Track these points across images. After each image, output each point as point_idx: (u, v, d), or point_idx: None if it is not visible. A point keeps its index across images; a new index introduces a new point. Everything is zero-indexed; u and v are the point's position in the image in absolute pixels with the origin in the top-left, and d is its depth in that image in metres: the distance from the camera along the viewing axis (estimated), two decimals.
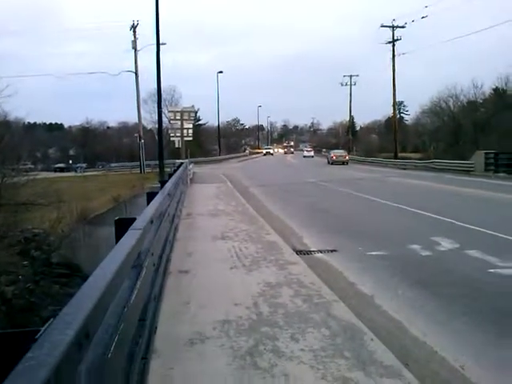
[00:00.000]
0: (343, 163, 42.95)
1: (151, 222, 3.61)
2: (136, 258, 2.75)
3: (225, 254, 7.15)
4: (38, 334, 1.23)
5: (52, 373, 1.06)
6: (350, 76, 59.48)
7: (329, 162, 44.80)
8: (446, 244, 8.09)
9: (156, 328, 3.66)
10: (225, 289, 5.34)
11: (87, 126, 75.62)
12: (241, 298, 4.92)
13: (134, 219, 3.33)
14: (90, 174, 42.06)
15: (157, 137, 34.28)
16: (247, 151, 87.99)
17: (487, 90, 54.38)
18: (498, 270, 6.43)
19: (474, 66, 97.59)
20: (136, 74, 36.89)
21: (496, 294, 5.53)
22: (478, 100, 55.31)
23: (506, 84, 53.07)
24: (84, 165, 56.89)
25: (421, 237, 8.68)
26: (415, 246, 7.98)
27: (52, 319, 1.34)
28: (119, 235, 3.11)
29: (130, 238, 2.68)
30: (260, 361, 3.44)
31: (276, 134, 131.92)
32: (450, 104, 56.10)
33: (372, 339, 3.87)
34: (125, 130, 72.07)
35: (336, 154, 46.36)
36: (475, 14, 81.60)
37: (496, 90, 54.02)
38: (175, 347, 3.68)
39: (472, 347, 4.15)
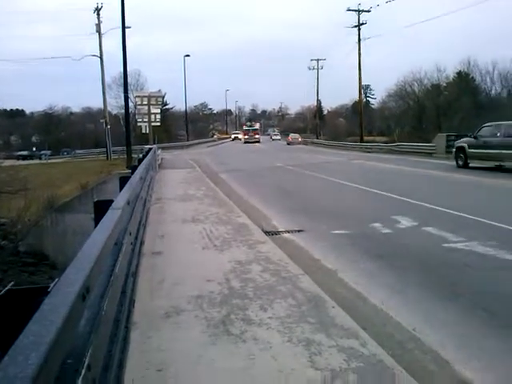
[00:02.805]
0: (298, 143, 56.84)
1: (128, 203, 3.86)
2: (117, 235, 3.00)
3: (196, 235, 7.41)
4: (50, 288, 1.50)
5: (65, 316, 1.33)
6: (317, 60, 60.00)
7: (287, 143, 58.74)
8: (405, 222, 8.59)
9: (134, 302, 3.92)
10: (197, 267, 5.62)
11: (50, 111, 73.76)
12: (213, 275, 5.21)
13: (112, 201, 3.56)
14: (56, 161, 41.35)
15: (123, 122, 33.91)
16: (215, 136, 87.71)
17: (450, 73, 55.88)
18: (452, 245, 6.93)
19: (439, 49, 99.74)
20: (101, 58, 36.19)
21: (448, 266, 6.01)
22: (442, 84, 56.84)
23: (467, 68, 54.76)
24: (48, 152, 55.64)
25: (382, 216, 9.16)
26: (376, 225, 8.45)
27: (57, 279, 1.60)
28: (98, 216, 3.35)
29: (111, 216, 2.93)
30: (232, 328, 3.76)
31: (244, 118, 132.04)
32: (415, 88, 57.49)
33: (334, 307, 4.25)
34: (89, 115, 70.74)
35: (292, 136, 62.46)
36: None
37: (459, 73, 55.60)
38: (152, 319, 3.96)
39: (423, 311, 4.60)
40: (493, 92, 53.81)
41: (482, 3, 51.36)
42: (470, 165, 19.01)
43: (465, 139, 19.94)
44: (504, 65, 51.54)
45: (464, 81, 54.00)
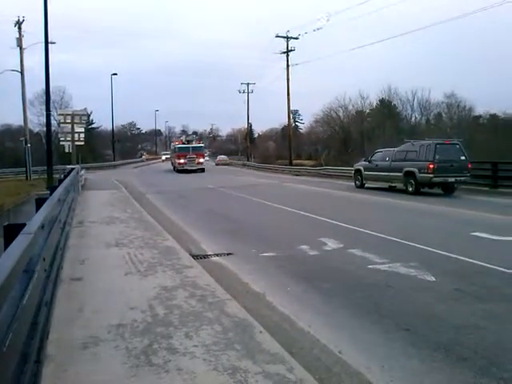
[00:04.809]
0: (226, 164, 58.16)
1: (42, 227, 3.59)
2: (27, 262, 2.76)
3: (120, 260, 7.09)
4: None
5: None
6: (248, 84, 60.87)
7: (216, 164, 60.26)
8: (331, 244, 8.76)
9: (48, 333, 3.63)
10: (120, 294, 5.34)
11: None
12: (136, 302, 4.98)
13: (24, 225, 3.30)
14: None
15: (45, 141, 32.34)
16: (144, 157, 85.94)
17: (373, 100, 59.17)
18: (376, 266, 7.14)
19: (362, 76, 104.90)
20: (22, 73, 34.39)
21: (373, 287, 6.15)
22: (366, 110, 60.00)
23: (389, 95, 58.27)
24: None
25: (310, 238, 9.30)
26: (304, 247, 8.55)
27: None
28: (8, 241, 3.08)
29: (21, 242, 2.69)
30: (154, 358, 3.58)
31: (175, 139, 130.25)
32: (340, 114, 60.14)
33: (261, 332, 4.19)
34: (8, 133, 66.85)
35: (220, 158, 66.47)
36: (361, 30, 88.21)
37: (382, 100, 58.95)
38: (68, 351, 3.69)
39: (349, 333, 4.65)
40: (413, 119, 57.56)
41: (403, 35, 55.20)
42: (366, 185, 21.40)
43: (361, 162, 22.24)
44: (423, 94, 55.47)
45: (386, 107, 57.30)
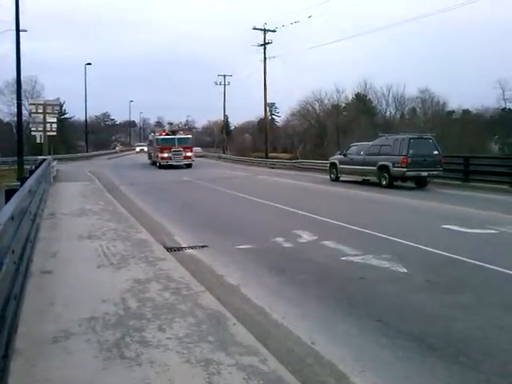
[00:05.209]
0: (200, 157, 53.52)
1: (12, 218, 3.50)
2: None
3: (92, 253, 6.98)
4: None
5: None
6: (224, 76, 60.49)
7: None
8: (306, 236, 8.82)
9: (17, 327, 3.55)
10: (91, 287, 5.26)
11: None
12: (108, 295, 4.91)
13: None
14: None
15: (15, 131, 31.61)
16: (117, 148, 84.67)
17: (349, 94, 59.85)
18: (349, 258, 7.21)
19: (339, 71, 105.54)
20: None
21: (346, 279, 6.23)
22: (341, 104, 60.63)
23: (364, 90, 59.01)
24: None
25: (284, 230, 9.33)
26: (279, 239, 8.58)
27: None
28: None
29: None
30: (127, 351, 3.54)
31: (149, 130, 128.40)
32: (316, 107, 60.63)
33: (234, 324, 4.19)
34: None
35: (194, 150, 59.63)
36: (339, 25, 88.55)
37: (358, 95, 59.64)
38: (38, 345, 3.61)
39: (322, 324, 4.69)
40: (388, 114, 58.44)
41: (381, 30, 55.89)
42: (341, 178, 21.63)
43: (336, 156, 22.54)
44: (397, 89, 56.36)
45: (362, 102, 58.01)
